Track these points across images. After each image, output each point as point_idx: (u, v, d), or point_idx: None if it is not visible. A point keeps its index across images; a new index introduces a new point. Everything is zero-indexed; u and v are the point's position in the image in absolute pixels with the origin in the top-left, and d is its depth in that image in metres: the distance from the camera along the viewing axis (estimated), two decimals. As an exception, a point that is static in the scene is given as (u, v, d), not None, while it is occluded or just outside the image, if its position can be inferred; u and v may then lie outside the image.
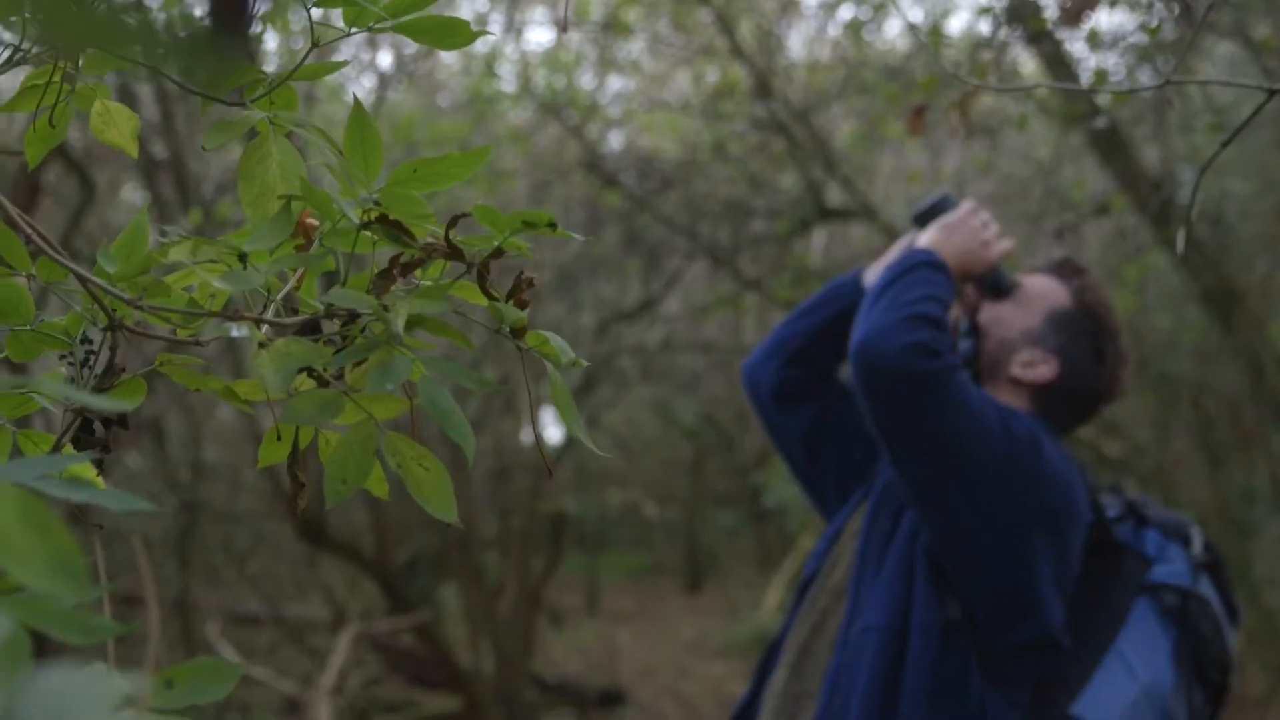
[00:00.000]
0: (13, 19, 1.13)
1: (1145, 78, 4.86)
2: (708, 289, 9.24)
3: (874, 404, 2.38)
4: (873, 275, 2.78)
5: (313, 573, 9.58)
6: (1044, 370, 2.60)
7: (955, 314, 2.73)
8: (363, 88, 7.63)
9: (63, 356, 1.35)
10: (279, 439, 1.34)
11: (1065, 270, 2.73)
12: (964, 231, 2.63)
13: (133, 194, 8.47)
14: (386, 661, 9.41)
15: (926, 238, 2.64)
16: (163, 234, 1.26)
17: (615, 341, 9.44)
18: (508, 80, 7.84)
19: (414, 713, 8.66)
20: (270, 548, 9.64)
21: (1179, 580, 2.52)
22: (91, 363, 1.36)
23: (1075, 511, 2.47)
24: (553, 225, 1.19)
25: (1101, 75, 4.34)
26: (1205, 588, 2.54)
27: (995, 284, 2.69)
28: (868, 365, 2.35)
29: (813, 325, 2.82)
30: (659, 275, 8.48)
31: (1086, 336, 2.64)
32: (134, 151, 1.55)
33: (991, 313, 2.69)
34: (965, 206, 2.68)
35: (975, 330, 2.68)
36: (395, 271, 1.21)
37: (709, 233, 7.67)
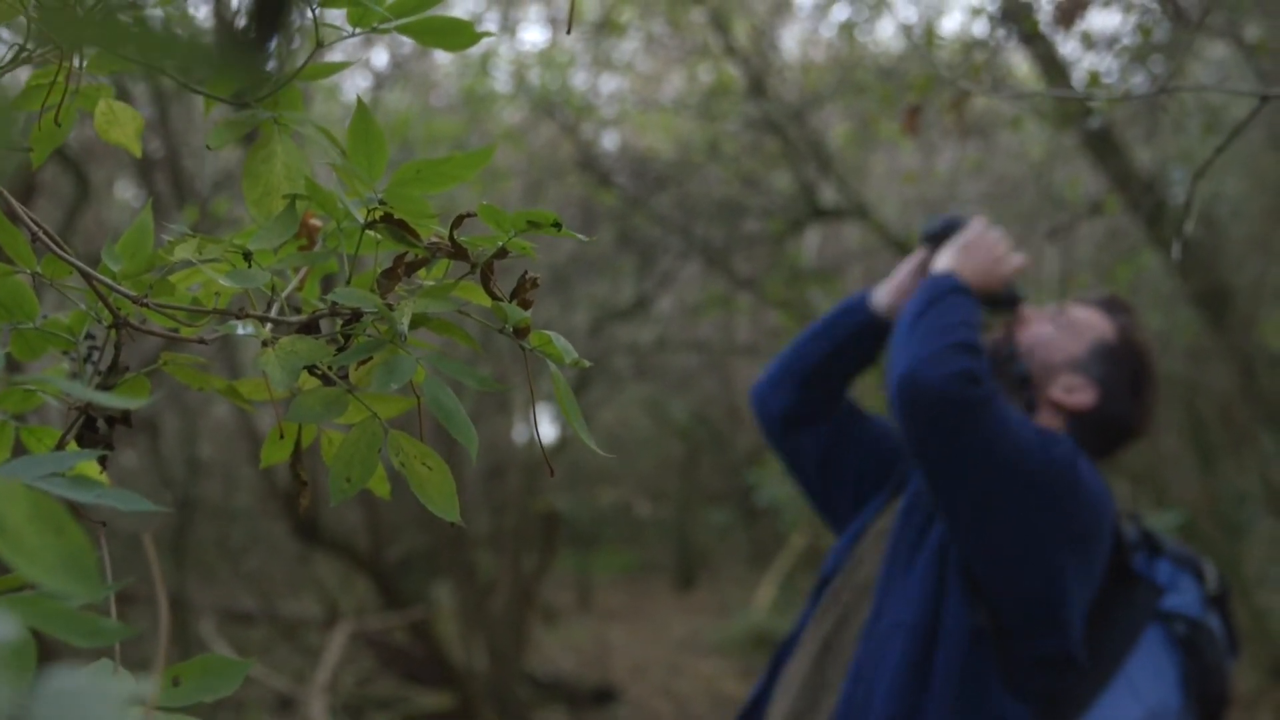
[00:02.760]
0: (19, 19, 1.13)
1: (1139, 79, 4.87)
2: (701, 288, 9.24)
3: (918, 432, 2.44)
4: (884, 297, 2.84)
5: (306, 570, 9.58)
6: (1084, 397, 2.66)
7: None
8: (358, 87, 7.63)
9: (66, 354, 1.36)
10: (282, 438, 1.35)
11: (1113, 306, 2.80)
12: (980, 250, 2.71)
13: (128, 192, 8.46)
14: (380, 659, 9.40)
15: (946, 260, 2.71)
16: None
17: (608, 340, 9.44)
18: (502, 80, 7.84)
19: (407, 710, 8.65)
20: (265, 545, 9.64)
21: (1190, 610, 2.60)
22: (95, 360, 1.36)
23: (1104, 534, 2.53)
24: (558, 225, 1.19)
25: (1095, 77, 4.34)
26: (1213, 621, 2.61)
27: (1008, 298, 2.73)
28: (913, 395, 2.41)
29: (824, 349, 2.85)
30: (652, 274, 8.48)
31: (1127, 371, 2.70)
32: (138, 150, 1.56)
33: (1035, 336, 2.73)
34: (977, 224, 2.75)
35: (1018, 352, 2.73)
36: (400, 271, 1.22)
37: (703, 232, 7.67)
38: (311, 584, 9.58)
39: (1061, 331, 2.73)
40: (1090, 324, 2.75)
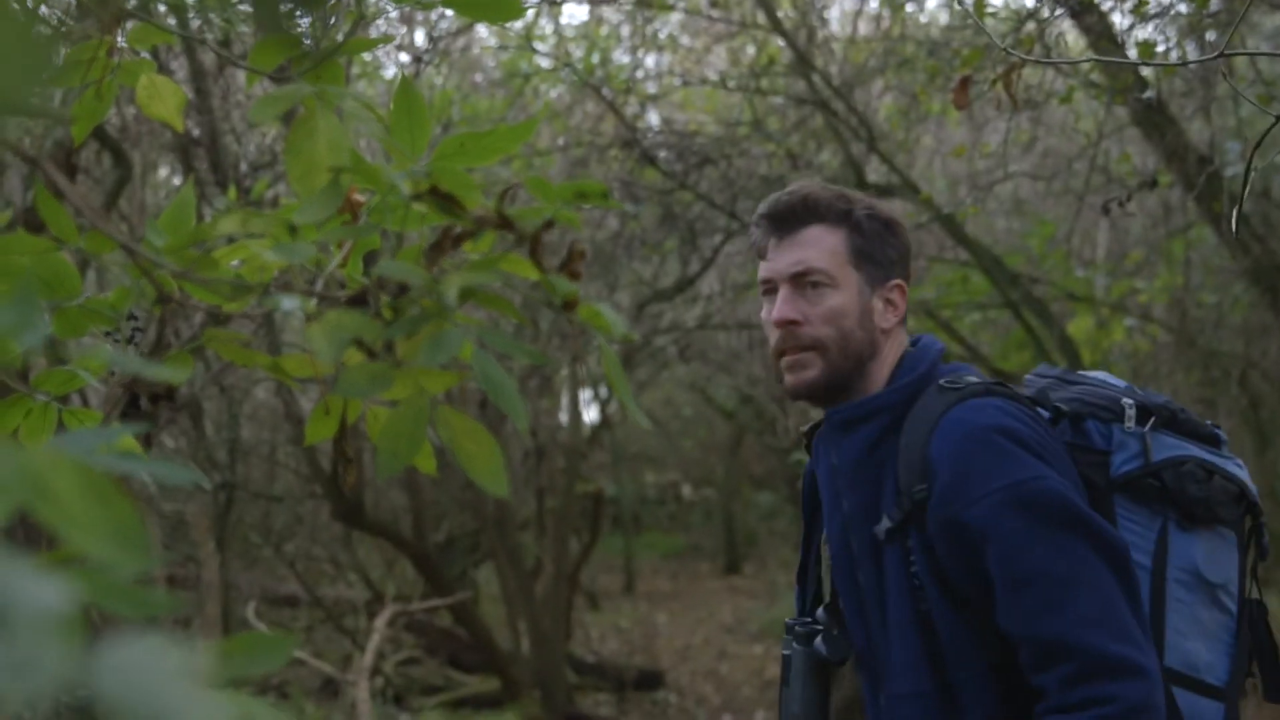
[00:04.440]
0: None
1: (1192, 50, 4.81)
2: (746, 266, 9.20)
3: None
4: None
5: (349, 554, 9.61)
6: (898, 309, 2.41)
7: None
8: (397, 66, 7.62)
9: (108, 333, 1.35)
10: (327, 413, 1.33)
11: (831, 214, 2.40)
12: None
13: (168, 174, 8.49)
14: (424, 643, 9.43)
15: None
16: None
17: (653, 321, 9.42)
18: (544, 57, 7.82)
19: (451, 694, 8.67)
20: (307, 529, 9.67)
21: (1138, 464, 2.32)
22: (137, 339, 1.35)
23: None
24: (605, 196, 1.17)
25: (1147, 48, 4.29)
26: (1167, 447, 2.33)
27: None
28: None
29: None
30: (697, 253, 8.45)
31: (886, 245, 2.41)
32: (179, 125, 1.54)
33: (812, 311, 2.35)
34: None
35: (811, 345, 2.36)
36: (447, 244, 1.19)
37: (748, 210, 7.64)
38: (355, 568, 9.60)
39: (823, 293, 2.35)
40: (829, 248, 2.38)
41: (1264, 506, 2.62)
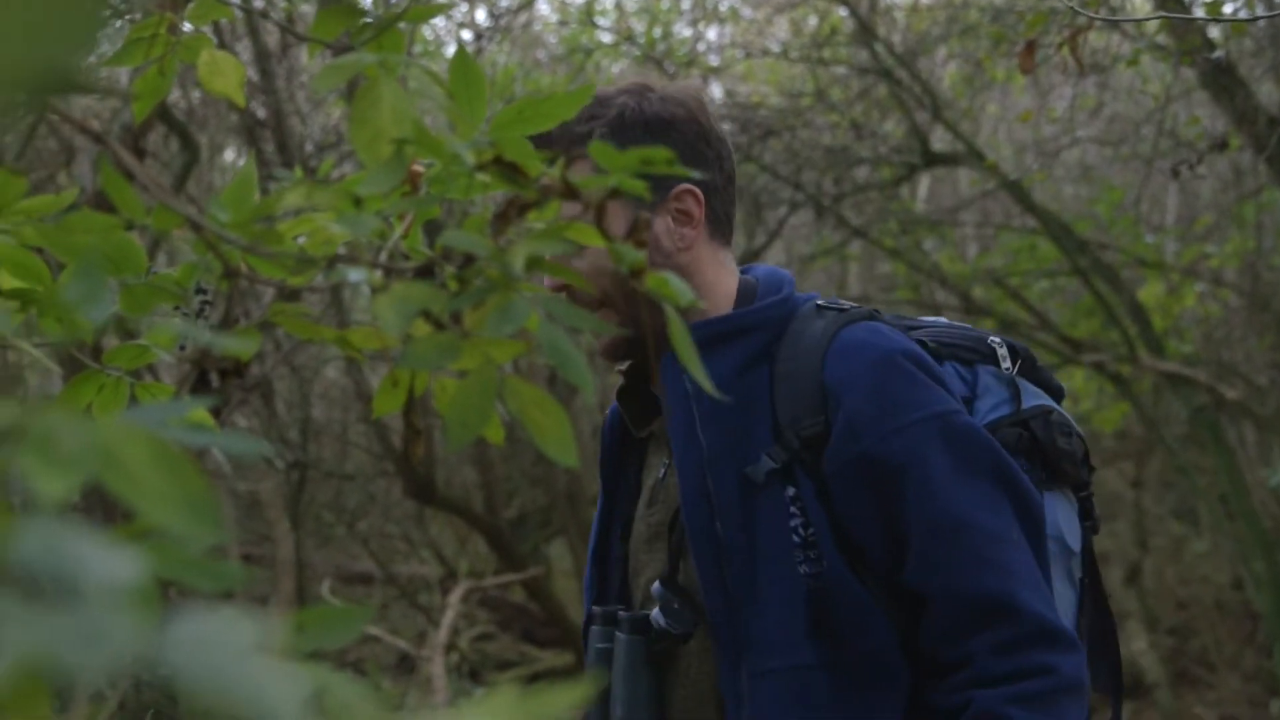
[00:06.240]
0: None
1: (1261, 7, 4.74)
2: (811, 238, 9.17)
3: None
4: None
5: (422, 531, 9.66)
6: (693, 219, 2.06)
7: None
8: (459, 43, 7.64)
9: (175, 308, 1.35)
10: (395, 386, 1.33)
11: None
12: None
13: (234, 156, 8.55)
14: (497, 618, 9.47)
15: None
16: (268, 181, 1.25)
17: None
18: (605, 31, 7.81)
19: (526, 668, 8.71)
20: (379, 507, 9.73)
21: (1007, 410, 2.02)
22: (206, 314, 1.35)
23: None
24: (671, 163, 1.16)
25: (1215, 7, 4.23)
26: (1032, 395, 2.06)
27: None
28: None
29: None
30: (762, 226, 8.42)
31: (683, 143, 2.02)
32: (241, 100, 1.54)
33: (580, 267, 1.98)
34: None
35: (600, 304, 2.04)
36: (512, 213, 1.19)
37: (812, 181, 7.61)
38: (427, 545, 9.66)
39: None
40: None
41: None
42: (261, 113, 6.11)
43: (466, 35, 7.49)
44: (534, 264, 1.16)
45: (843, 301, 2.04)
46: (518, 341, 1.20)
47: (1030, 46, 3.71)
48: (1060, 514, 2.01)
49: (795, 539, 1.89)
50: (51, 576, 0.49)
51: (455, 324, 1.18)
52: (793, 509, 1.90)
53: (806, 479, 1.89)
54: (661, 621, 2.01)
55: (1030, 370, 2.10)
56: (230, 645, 0.49)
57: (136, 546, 0.68)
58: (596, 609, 2.15)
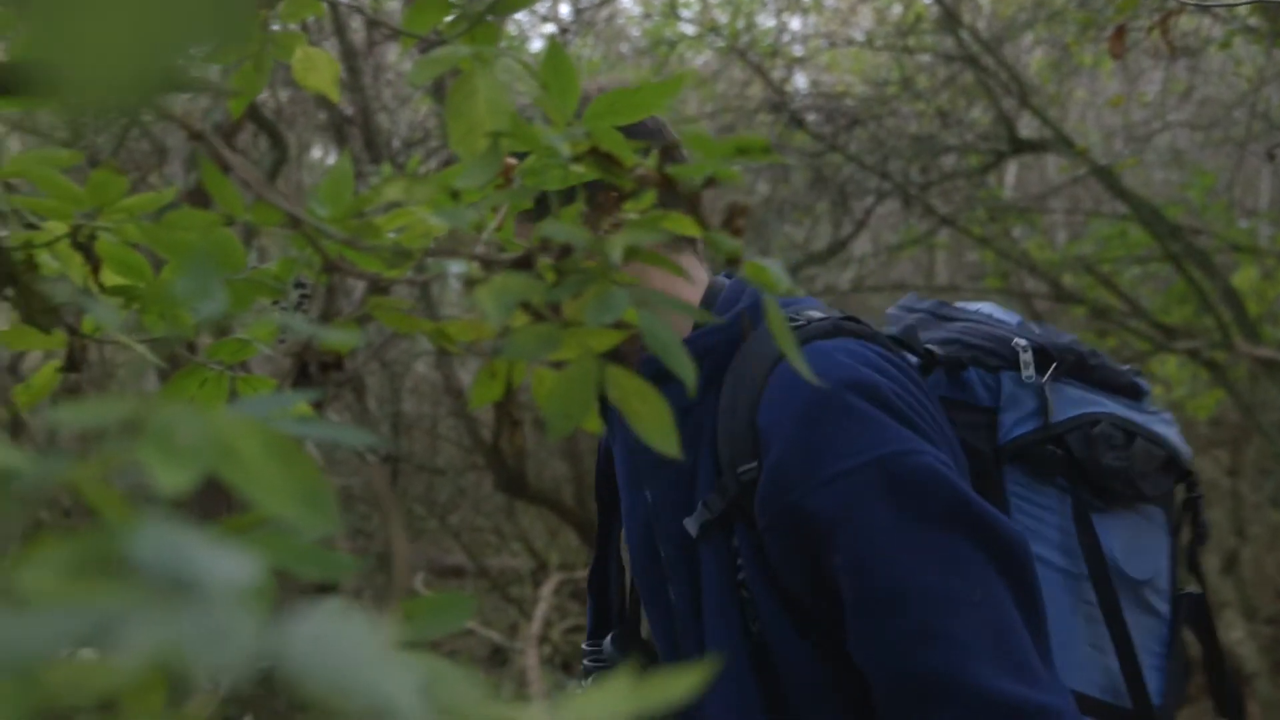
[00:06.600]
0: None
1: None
2: (898, 228, 9.13)
3: None
4: None
5: (513, 524, 9.71)
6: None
7: None
8: (543, 38, 7.66)
9: (274, 303, 1.36)
10: (492, 377, 1.33)
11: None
12: None
13: (322, 155, 8.62)
14: (588, 610, 9.49)
15: None
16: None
17: (806, 284, 9.38)
18: (688, 23, 7.81)
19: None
20: (470, 500, 9.79)
21: (1035, 424, 1.78)
22: (305, 307, 1.36)
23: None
24: (767, 150, 1.15)
25: (1311, -14, 4.16)
26: (1073, 403, 1.82)
27: None
28: None
29: None
30: (848, 216, 8.39)
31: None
32: (335, 95, 1.55)
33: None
34: None
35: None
36: (609, 204, 1.19)
37: (899, 170, 7.57)
38: (518, 537, 9.71)
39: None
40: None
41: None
42: (349, 110, 6.16)
43: (550, 29, 7.51)
44: (631, 254, 1.17)
45: (811, 311, 1.76)
46: (614, 331, 1.20)
47: (1120, 31, 3.66)
48: (1117, 539, 1.77)
49: (745, 594, 1.65)
50: (170, 577, 0.50)
51: (554, 314, 1.19)
52: (739, 562, 1.65)
53: (744, 529, 1.64)
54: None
55: (1078, 371, 1.86)
56: (350, 641, 0.49)
57: (248, 539, 0.69)
58: (585, 645, 2.03)
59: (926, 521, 1.52)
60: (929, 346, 1.82)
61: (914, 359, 1.80)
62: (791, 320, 1.70)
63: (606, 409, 1.57)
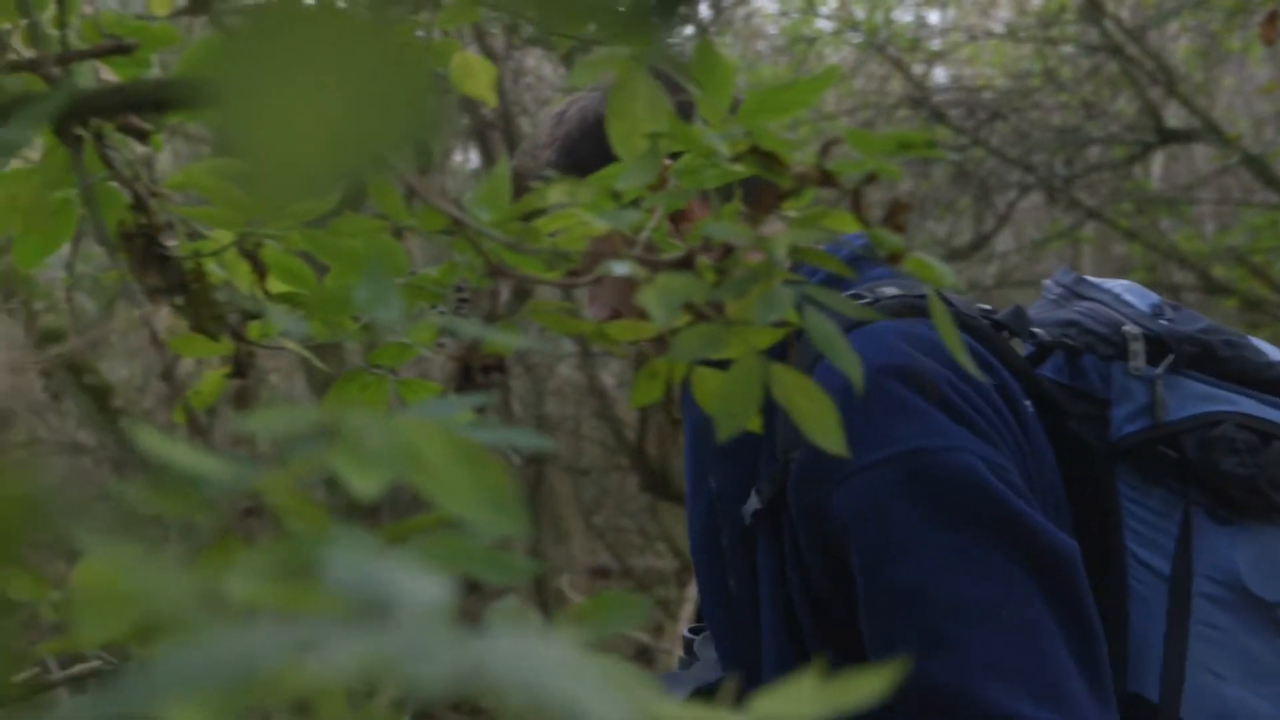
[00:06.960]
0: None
1: None
2: (1042, 222, 9.01)
3: None
4: None
5: (657, 524, 9.73)
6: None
7: None
8: (699, 33, 7.69)
9: (433, 307, 1.37)
10: (653, 378, 1.34)
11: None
12: None
13: (462, 158, 8.70)
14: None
15: None
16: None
17: (948, 280, 9.31)
18: (826, 20, 7.78)
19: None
20: (614, 500, 9.82)
21: (1144, 423, 1.59)
22: (464, 312, 1.37)
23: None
24: (930, 145, 1.14)
25: None
26: (1194, 399, 1.61)
27: None
28: None
29: None
30: (991, 210, 8.30)
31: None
32: (493, 100, 1.57)
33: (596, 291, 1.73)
34: None
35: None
36: (771, 202, 1.19)
37: (1042, 163, 7.48)
38: (662, 537, 9.73)
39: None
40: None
41: None
42: (491, 114, 6.21)
43: (689, 30, 7.52)
44: (795, 253, 1.16)
45: (886, 288, 1.57)
46: (776, 329, 1.20)
47: (1272, 16, 3.59)
48: (1242, 553, 1.55)
49: (785, 588, 1.56)
50: (362, 595, 0.50)
51: (717, 314, 1.18)
52: (784, 551, 1.55)
53: (788, 519, 1.53)
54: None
55: (1205, 362, 1.63)
56: (547, 652, 0.49)
57: (427, 545, 0.69)
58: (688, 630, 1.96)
59: (952, 523, 1.40)
60: (1034, 331, 1.64)
61: (1028, 345, 1.65)
62: (857, 296, 1.54)
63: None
